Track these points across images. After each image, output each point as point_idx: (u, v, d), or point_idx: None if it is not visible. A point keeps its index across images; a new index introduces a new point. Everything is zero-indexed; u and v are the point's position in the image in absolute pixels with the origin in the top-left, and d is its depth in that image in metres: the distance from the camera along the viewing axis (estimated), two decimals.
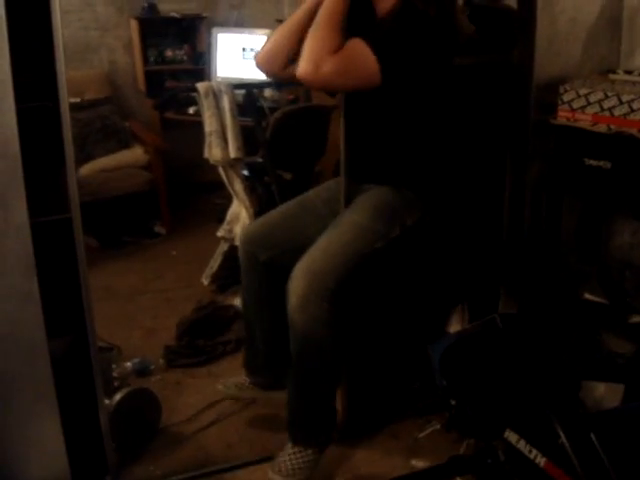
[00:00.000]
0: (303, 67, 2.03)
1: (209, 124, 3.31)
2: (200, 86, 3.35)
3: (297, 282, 2.14)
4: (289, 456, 2.26)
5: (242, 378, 2.63)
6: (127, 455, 2.40)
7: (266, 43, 2.31)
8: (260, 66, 2.32)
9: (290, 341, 2.22)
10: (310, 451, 2.27)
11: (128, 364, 2.89)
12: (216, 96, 3.32)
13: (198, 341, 3.10)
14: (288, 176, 3.61)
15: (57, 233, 2.03)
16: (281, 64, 2.25)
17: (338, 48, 2.02)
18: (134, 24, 4.81)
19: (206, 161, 3.37)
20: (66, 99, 1.95)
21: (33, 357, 1.99)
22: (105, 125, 4.49)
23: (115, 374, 2.73)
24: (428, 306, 2.67)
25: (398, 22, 2.13)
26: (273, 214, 2.54)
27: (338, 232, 2.24)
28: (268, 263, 2.43)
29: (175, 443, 2.51)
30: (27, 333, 1.97)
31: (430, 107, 2.30)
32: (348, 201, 2.35)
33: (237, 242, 3.04)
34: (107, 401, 2.33)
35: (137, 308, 3.54)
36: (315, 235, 2.26)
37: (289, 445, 2.29)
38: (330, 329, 2.16)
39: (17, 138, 1.85)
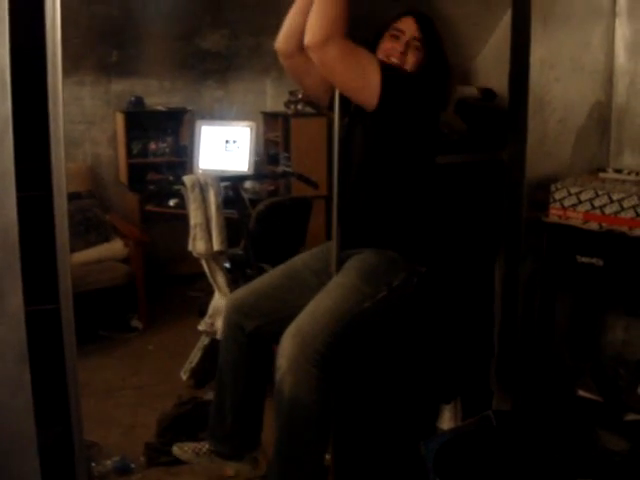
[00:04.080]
0: (314, 33, 2.06)
1: (194, 217, 3.32)
2: (187, 179, 3.37)
3: (285, 346, 2.10)
4: None
5: (200, 444, 2.53)
6: None
7: (284, 25, 2.32)
8: (279, 48, 2.33)
9: (276, 411, 2.15)
10: None
11: (108, 462, 2.81)
12: (202, 189, 3.33)
13: (180, 437, 2.99)
14: (268, 268, 3.60)
15: (46, 323, 1.99)
16: (298, 42, 2.24)
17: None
18: (120, 118, 4.88)
19: (186, 253, 3.37)
20: (64, 189, 1.95)
21: (21, 446, 1.92)
22: (86, 218, 4.47)
23: (95, 473, 2.65)
24: (420, 400, 2.63)
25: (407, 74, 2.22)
26: (259, 283, 2.50)
27: (325, 295, 2.22)
28: (253, 333, 2.39)
29: None
30: (16, 421, 1.91)
31: (415, 174, 2.34)
32: (328, 270, 2.33)
33: (219, 335, 3.01)
34: None
35: (115, 405, 3.44)
36: (304, 305, 2.23)
37: None
38: (319, 396, 2.10)
39: (16, 228, 1.84)
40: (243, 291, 2.51)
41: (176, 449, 2.53)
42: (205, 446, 2.51)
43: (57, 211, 1.92)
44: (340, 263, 2.33)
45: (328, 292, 2.24)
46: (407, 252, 2.33)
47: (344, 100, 2.28)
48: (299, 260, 2.54)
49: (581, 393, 2.57)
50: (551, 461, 2.25)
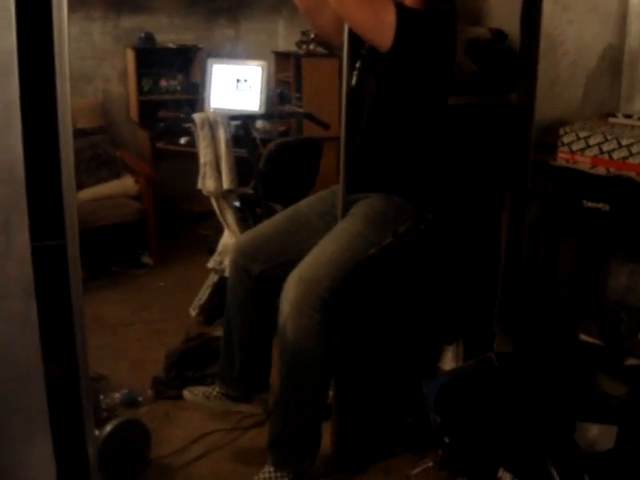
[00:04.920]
0: None
1: (204, 155, 3.31)
2: (197, 117, 3.35)
3: (289, 291, 2.11)
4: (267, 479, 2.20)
5: (210, 388, 2.59)
6: None
7: None
8: None
9: (279, 355, 2.19)
10: (289, 477, 2.21)
11: (116, 395, 2.86)
12: (212, 127, 3.32)
13: (187, 372, 3.06)
14: (279, 208, 3.61)
15: (52, 259, 2.01)
16: None
17: None
18: (130, 54, 4.84)
19: (196, 192, 3.37)
20: (69, 124, 1.94)
21: (28, 381, 1.95)
22: (96, 154, 4.47)
23: (103, 405, 2.71)
24: (422, 341, 2.66)
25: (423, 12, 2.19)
26: (265, 227, 2.51)
27: (330, 241, 2.23)
28: (260, 277, 2.40)
29: (164, 475, 2.47)
30: (23, 356, 1.93)
31: (427, 117, 2.33)
32: (335, 214, 2.34)
33: (227, 272, 3.03)
34: (97, 432, 2.29)
35: (124, 339, 3.50)
36: (309, 249, 2.24)
37: (268, 468, 2.22)
38: (321, 341, 2.12)
39: (22, 162, 1.84)
40: (249, 235, 2.53)
41: (187, 393, 2.58)
42: (215, 389, 2.56)
43: (63, 146, 1.91)
44: (347, 207, 2.32)
45: (333, 238, 2.24)
46: (415, 198, 2.33)
47: (355, 43, 2.24)
48: (305, 204, 2.54)
49: (582, 337, 2.59)
50: (550, 403, 2.28)
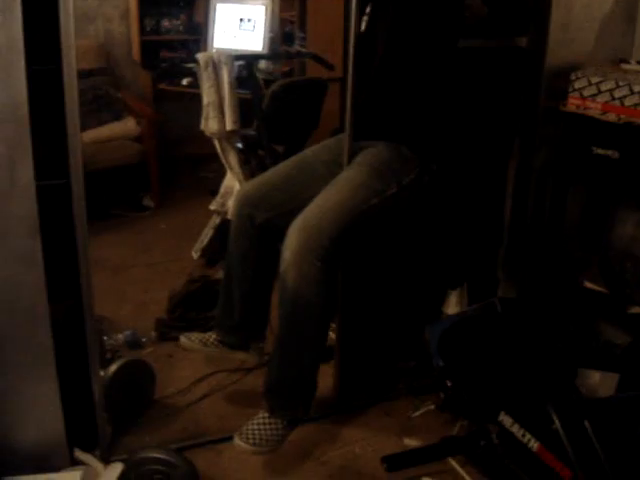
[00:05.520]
0: None
1: (207, 95, 3.26)
2: (200, 57, 3.30)
3: (291, 238, 2.11)
4: (260, 425, 2.21)
5: (207, 334, 2.60)
6: (122, 425, 2.38)
7: None
8: None
9: (279, 302, 2.18)
10: (283, 424, 2.22)
11: (120, 336, 2.88)
12: (216, 67, 3.27)
13: (190, 314, 3.07)
14: (281, 149, 3.59)
15: (58, 198, 2.00)
16: None
17: None
18: None
19: (198, 133, 3.33)
20: (73, 63, 1.91)
21: (34, 320, 1.97)
22: (98, 96, 4.42)
23: (107, 346, 2.72)
24: (426, 284, 2.66)
25: None
26: (270, 175, 2.50)
27: (334, 189, 2.21)
28: (264, 225, 2.40)
29: (168, 415, 2.50)
30: (29, 296, 1.95)
31: (438, 62, 2.29)
32: (341, 161, 2.31)
33: (230, 215, 3.02)
34: (102, 372, 2.31)
35: (127, 281, 3.50)
36: (314, 197, 2.23)
37: (262, 414, 2.23)
38: (321, 289, 2.12)
39: (26, 101, 1.82)
40: (254, 183, 2.51)
41: (183, 339, 2.59)
42: (212, 336, 2.57)
43: (67, 85, 1.88)
44: (352, 154, 2.30)
45: (337, 187, 2.22)
46: (421, 149, 2.31)
47: None
48: (310, 152, 2.53)
49: (587, 284, 2.59)
50: (553, 349, 2.29)
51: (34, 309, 1.96)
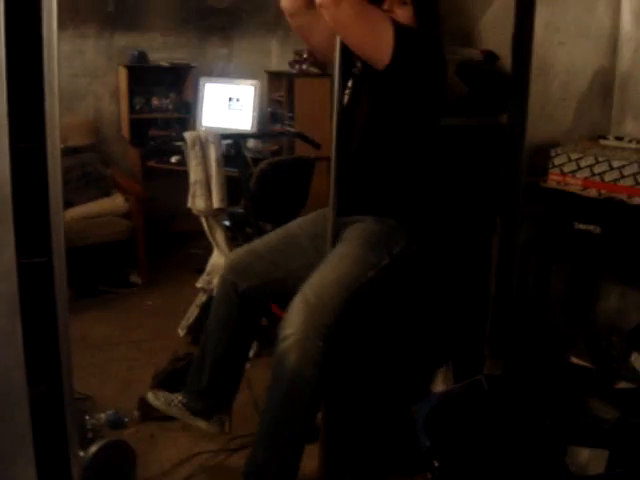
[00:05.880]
0: None
1: (194, 173, 3.30)
2: (188, 135, 3.35)
3: (294, 316, 2.07)
4: None
5: (174, 395, 2.56)
6: None
7: None
8: (284, 6, 2.29)
9: (274, 381, 2.12)
10: None
11: (102, 415, 2.82)
12: (203, 146, 3.31)
13: (174, 393, 3.02)
14: (269, 227, 3.60)
15: (38, 277, 1.98)
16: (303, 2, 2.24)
17: None
18: (123, 72, 4.83)
19: (186, 211, 3.35)
20: (57, 142, 1.92)
21: (12, 401, 1.92)
22: (87, 172, 4.45)
23: (89, 425, 2.67)
24: (413, 363, 2.64)
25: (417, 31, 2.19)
26: (256, 245, 2.50)
27: (329, 266, 2.19)
28: (246, 294, 2.39)
29: None
30: (7, 376, 1.90)
31: (420, 138, 2.31)
32: (335, 237, 2.30)
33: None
34: (82, 453, 2.25)
35: (112, 359, 3.45)
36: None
37: None
38: (319, 371, 2.07)
39: (9, 179, 1.82)
40: (239, 252, 2.52)
41: (150, 395, 2.57)
42: (178, 397, 2.54)
43: (51, 162, 1.89)
44: (338, 231, 2.30)
45: (332, 263, 2.21)
46: (407, 219, 2.31)
47: (347, 62, 2.24)
48: (296, 224, 2.53)
49: (573, 360, 2.57)
50: (541, 426, 2.26)
51: (12, 389, 1.91)
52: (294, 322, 2.07)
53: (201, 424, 2.53)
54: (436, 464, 2.26)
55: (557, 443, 2.23)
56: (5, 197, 1.83)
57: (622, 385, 2.45)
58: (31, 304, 1.93)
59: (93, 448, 2.32)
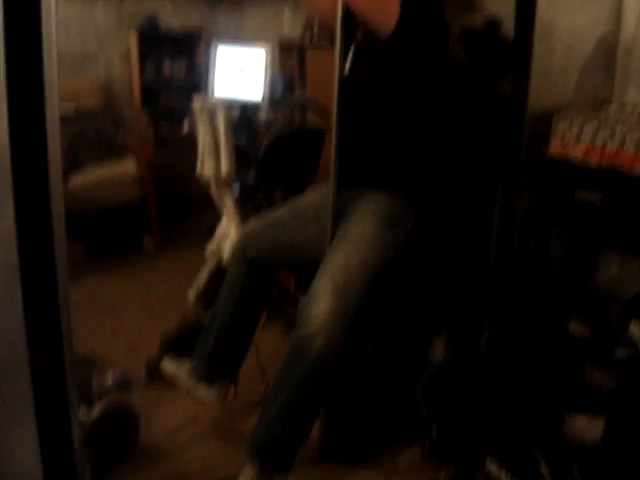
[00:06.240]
0: None
1: (203, 139, 3.30)
2: (196, 101, 3.35)
3: (322, 304, 2.08)
4: None
5: (183, 364, 2.67)
6: (105, 472, 2.35)
7: None
8: None
9: (294, 362, 2.13)
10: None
11: (109, 377, 2.87)
12: (211, 112, 3.31)
13: (181, 357, 3.06)
14: (279, 196, 3.60)
15: (39, 241, 2.00)
16: None
17: None
18: (133, 37, 4.83)
19: (197, 177, 3.36)
20: (55, 102, 1.93)
21: (12, 368, 1.95)
22: (98, 136, 4.47)
23: (96, 386, 2.71)
24: (413, 331, 2.66)
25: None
26: (266, 215, 2.59)
27: (353, 248, 2.20)
28: (255, 261, 2.47)
29: (154, 458, 2.48)
30: (7, 343, 1.93)
31: (423, 106, 2.31)
32: (338, 210, 2.30)
33: (225, 260, 3.04)
34: (85, 416, 2.30)
35: (121, 321, 3.51)
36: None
37: (249, 470, 2.18)
38: (340, 356, 2.10)
39: (7, 141, 1.83)
40: (254, 221, 2.62)
41: (166, 362, 2.69)
42: (187, 364, 2.63)
43: (49, 125, 1.90)
44: (346, 202, 2.30)
45: (354, 244, 2.21)
46: (414, 193, 2.32)
47: (348, 32, 2.21)
48: (305, 198, 2.58)
49: (572, 328, 2.58)
50: (539, 395, 2.27)
51: (12, 356, 1.94)
52: (321, 307, 2.09)
53: (201, 392, 2.58)
54: (434, 430, 2.29)
55: (555, 410, 2.25)
56: (3, 158, 1.84)
57: (620, 354, 2.45)
58: (31, 269, 1.96)
59: (96, 412, 2.37)
